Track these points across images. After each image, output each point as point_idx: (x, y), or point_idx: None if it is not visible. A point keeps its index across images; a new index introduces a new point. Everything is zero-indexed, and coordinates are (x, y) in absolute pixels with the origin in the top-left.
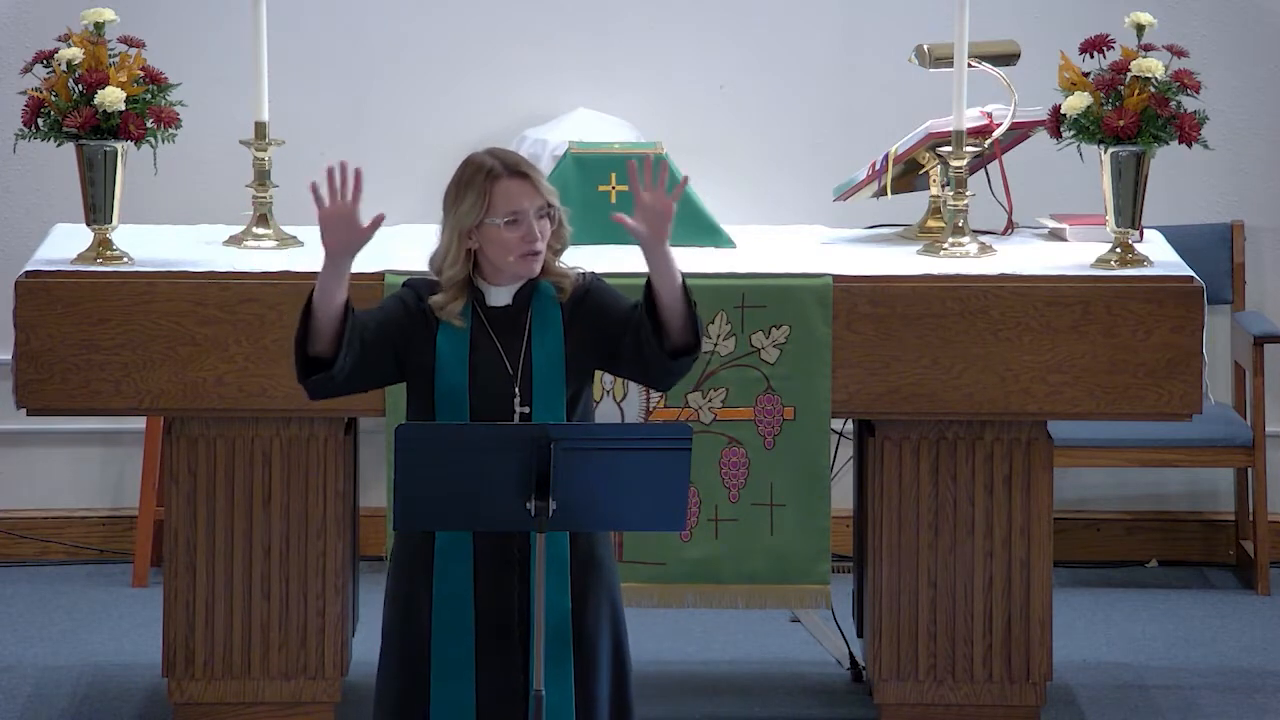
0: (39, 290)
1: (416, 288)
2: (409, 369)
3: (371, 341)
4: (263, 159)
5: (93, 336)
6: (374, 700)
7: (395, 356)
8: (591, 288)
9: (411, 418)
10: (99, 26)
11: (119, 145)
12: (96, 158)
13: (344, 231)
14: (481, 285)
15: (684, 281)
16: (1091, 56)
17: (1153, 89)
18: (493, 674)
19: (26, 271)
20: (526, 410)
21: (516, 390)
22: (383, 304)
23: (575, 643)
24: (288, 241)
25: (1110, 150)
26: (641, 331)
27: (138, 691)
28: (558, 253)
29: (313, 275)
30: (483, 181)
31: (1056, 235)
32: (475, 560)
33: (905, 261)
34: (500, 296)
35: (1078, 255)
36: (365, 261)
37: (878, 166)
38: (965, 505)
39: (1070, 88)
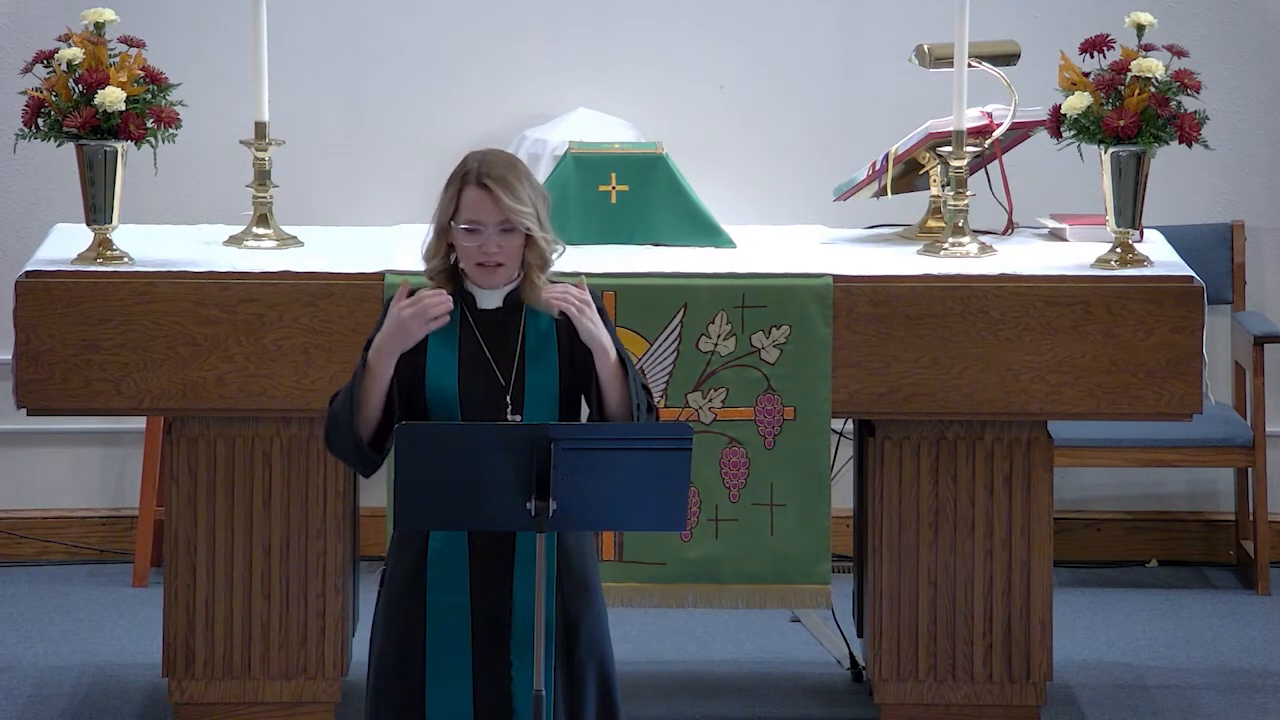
0: (39, 290)
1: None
2: (402, 379)
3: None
4: (263, 159)
5: (93, 336)
6: (366, 705)
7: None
8: (601, 312)
9: None
10: (99, 26)
11: (119, 145)
12: (96, 158)
13: (416, 328)
14: (470, 288)
15: (623, 365)
16: (1091, 56)
17: (1153, 89)
18: (483, 675)
19: (26, 271)
20: (518, 419)
21: (509, 400)
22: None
23: (561, 644)
24: (288, 241)
25: (1110, 150)
26: (590, 401)
27: (138, 691)
28: (541, 269)
29: (311, 275)
30: (457, 183)
31: (1056, 235)
32: (470, 568)
33: (905, 261)
34: (490, 299)
35: (1078, 255)
36: (365, 261)
37: (878, 166)
38: (965, 505)
39: (1070, 88)
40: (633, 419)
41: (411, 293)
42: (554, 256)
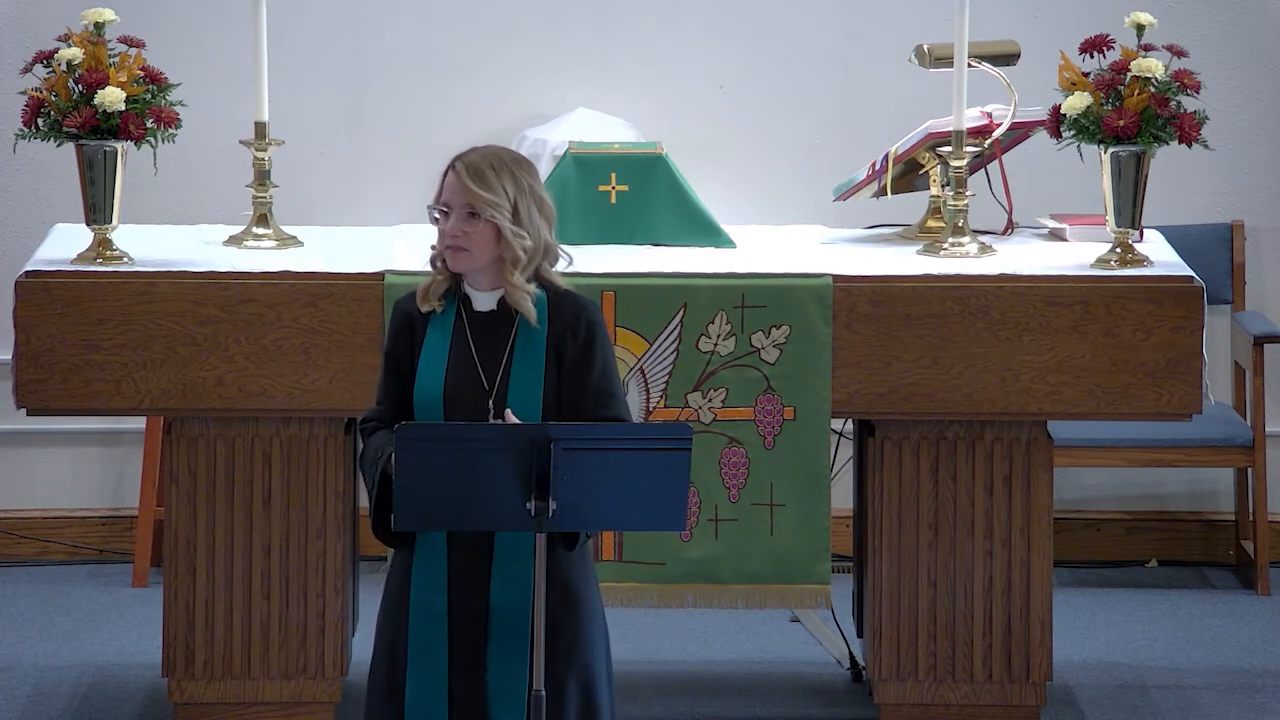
0: (39, 290)
1: (402, 304)
2: (401, 374)
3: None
4: (263, 159)
5: (93, 336)
6: (365, 702)
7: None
8: (589, 327)
9: None
10: (99, 26)
11: (119, 145)
12: (96, 158)
13: None
14: (467, 289)
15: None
16: (1091, 56)
17: (1153, 89)
18: (459, 678)
19: (26, 271)
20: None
21: (491, 406)
22: (386, 343)
23: (550, 643)
24: (288, 241)
25: (1110, 150)
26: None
27: (138, 691)
28: (514, 265)
29: (311, 275)
30: (444, 168)
31: (1056, 235)
32: (449, 571)
33: (905, 261)
34: (485, 302)
35: (1078, 255)
36: (365, 262)
37: (878, 166)
38: (965, 505)
39: (1070, 88)
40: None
41: (414, 295)
42: (535, 259)
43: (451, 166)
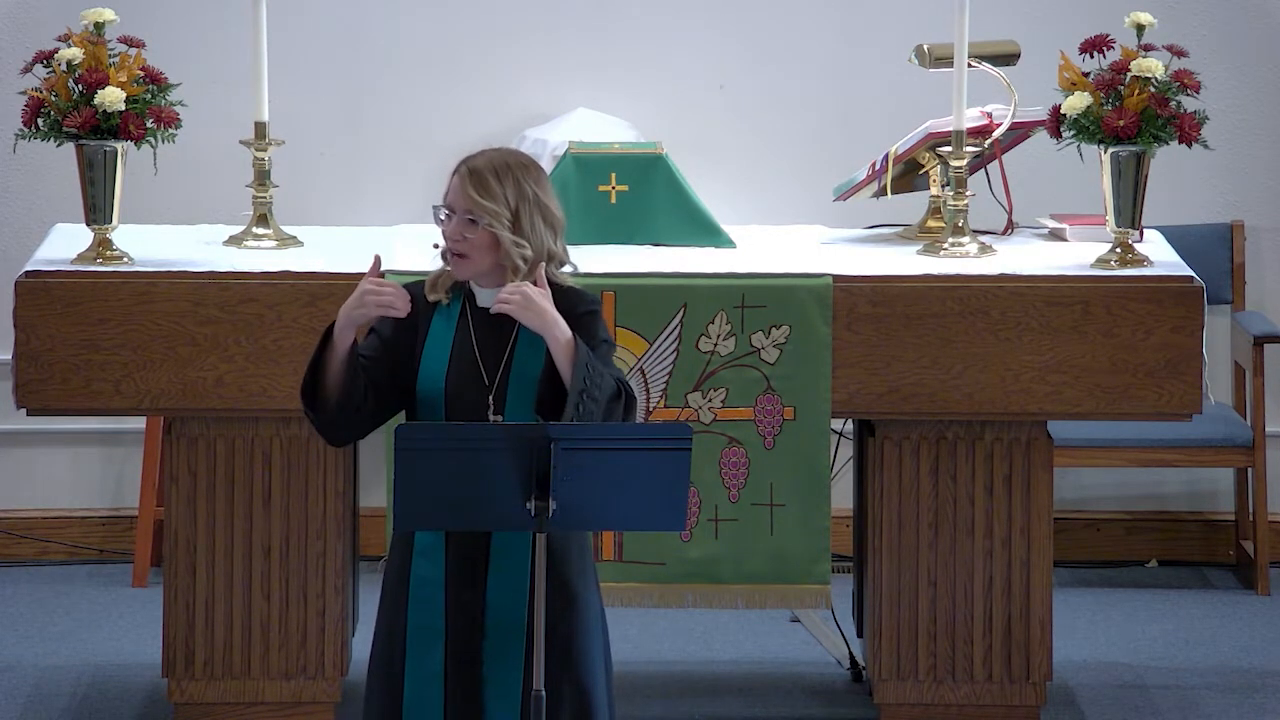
0: (39, 290)
1: (406, 289)
2: (400, 372)
3: (375, 360)
4: (263, 159)
5: (93, 336)
6: (365, 696)
7: (392, 367)
8: (589, 314)
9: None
10: (99, 26)
11: (119, 145)
12: (96, 158)
13: (372, 309)
14: (472, 284)
15: (582, 367)
16: (1091, 56)
17: (1153, 89)
18: (455, 676)
19: (26, 271)
20: (499, 419)
21: (491, 401)
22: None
23: (546, 642)
24: (288, 241)
25: (1110, 150)
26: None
27: (138, 691)
28: (514, 273)
29: (311, 275)
30: (454, 167)
31: (1056, 235)
32: (446, 568)
33: (905, 261)
34: (488, 298)
35: (1078, 255)
36: (365, 262)
37: (878, 166)
38: (965, 505)
39: (1070, 88)
40: (576, 408)
41: (384, 274)
42: (537, 267)
43: (457, 169)
